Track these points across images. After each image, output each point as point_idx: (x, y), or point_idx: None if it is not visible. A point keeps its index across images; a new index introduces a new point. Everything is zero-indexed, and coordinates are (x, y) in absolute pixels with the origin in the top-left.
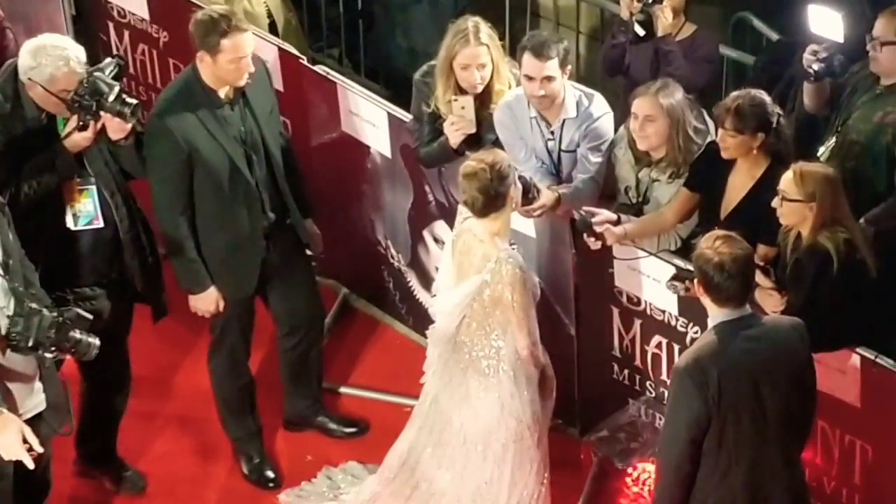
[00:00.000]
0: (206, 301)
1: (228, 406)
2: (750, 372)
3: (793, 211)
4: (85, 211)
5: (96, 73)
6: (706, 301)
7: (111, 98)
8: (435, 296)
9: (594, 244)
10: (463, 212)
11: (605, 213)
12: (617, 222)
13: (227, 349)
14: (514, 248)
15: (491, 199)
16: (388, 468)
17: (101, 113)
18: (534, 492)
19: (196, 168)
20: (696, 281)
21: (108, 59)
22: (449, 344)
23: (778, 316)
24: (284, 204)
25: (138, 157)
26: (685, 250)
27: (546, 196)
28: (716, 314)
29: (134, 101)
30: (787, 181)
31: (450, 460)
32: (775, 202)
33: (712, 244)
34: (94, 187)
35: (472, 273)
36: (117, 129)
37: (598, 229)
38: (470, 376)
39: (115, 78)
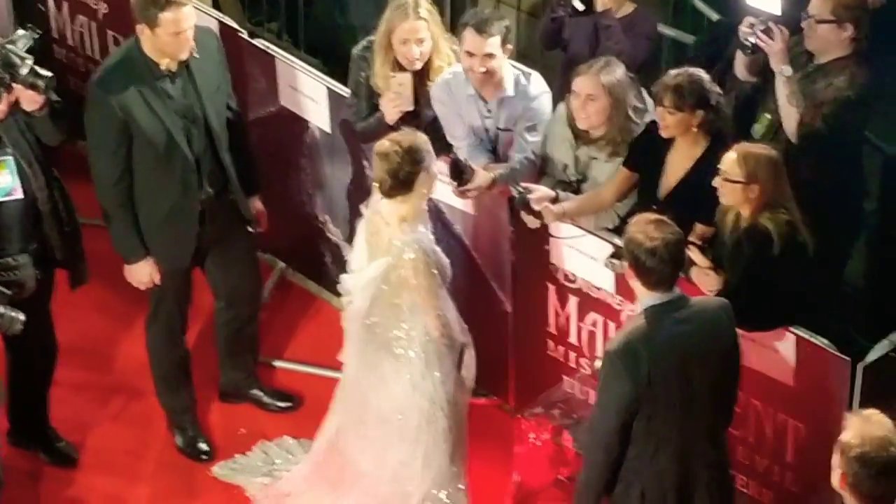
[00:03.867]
0: (140, 272)
1: (164, 378)
2: (680, 354)
3: (734, 191)
4: (3, 183)
5: (8, 46)
6: (636, 285)
7: (24, 71)
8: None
9: (532, 222)
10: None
11: (543, 190)
12: (555, 199)
13: (163, 320)
14: (424, 233)
15: (398, 183)
16: (317, 451)
17: (14, 85)
18: (447, 472)
19: (134, 138)
20: (625, 261)
21: (21, 32)
22: (362, 324)
23: (706, 297)
24: (226, 179)
25: (54, 127)
26: (623, 228)
27: (481, 177)
28: (645, 298)
29: (48, 74)
30: (729, 162)
31: (370, 441)
32: (716, 181)
33: (643, 228)
34: (11, 158)
35: (381, 255)
36: (31, 100)
37: (536, 207)
38: (383, 357)
39: (30, 51)
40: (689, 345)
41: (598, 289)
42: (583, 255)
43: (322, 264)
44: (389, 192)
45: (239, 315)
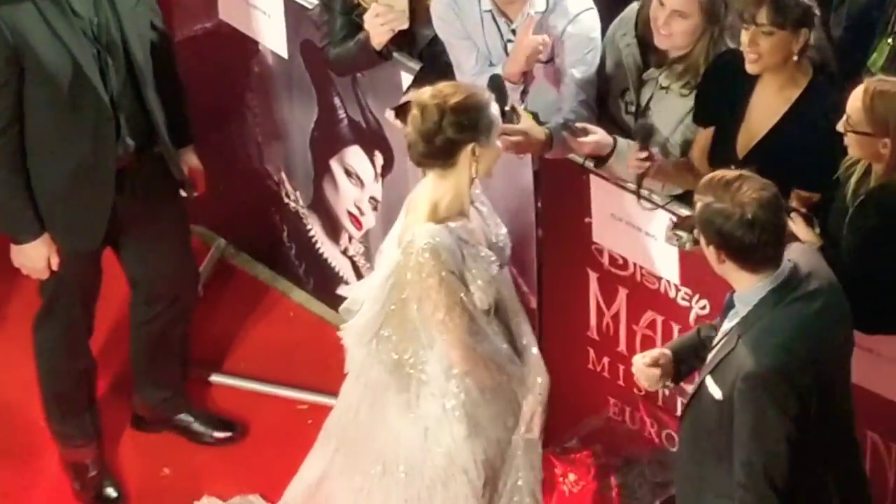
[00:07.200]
0: (35, 255)
1: (57, 398)
2: (831, 346)
3: (861, 144)
4: None
5: None
6: (730, 269)
7: None
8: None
9: (639, 166)
10: None
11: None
12: (609, 154)
13: (61, 320)
14: (457, 228)
15: (433, 150)
16: (290, 502)
17: None
18: None
19: (27, 72)
20: (710, 246)
21: None
22: (373, 340)
23: (813, 260)
24: (151, 127)
25: None
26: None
27: (530, 125)
28: (752, 285)
29: None
30: (853, 105)
31: (366, 496)
32: (841, 125)
33: (725, 193)
34: None
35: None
36: None
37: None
38: (390, 384)
39: None
40: (827, 328)
41: (658, 277)
42: (637, 231)
43: (276, 241)
44: (420, 161)
45: (163, 313)
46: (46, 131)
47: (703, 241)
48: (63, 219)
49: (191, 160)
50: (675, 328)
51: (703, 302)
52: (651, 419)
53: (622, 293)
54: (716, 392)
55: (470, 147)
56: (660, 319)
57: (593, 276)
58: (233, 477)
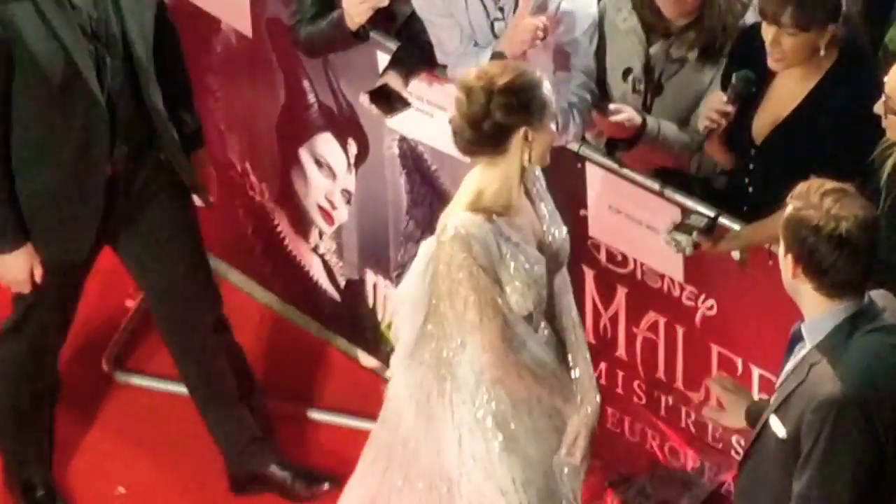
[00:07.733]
0: (16, 266)
1: (14, 414)
2: None
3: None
4: None
5: None
6: (802, 288)
7: None
8: None
9: (717, 119)
10: None
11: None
12: (638, 135)
13: (31, 337)
14: (500, 222)
15: (480, 137)
16: None
17: None
18: None
19: (18, 68)
20: (788, 256)
21: None
22: (421, 335)
23: (886, 296)
24: (153, 130)
25: None
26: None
27: None
28: (825, 310)
29: None
30: (892, 83)
31: None
32: (878, 107)
33: (819, 201)
34: None
35: None
36: None
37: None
38: (434, 386)
39: None
40: None
41: (660, 275)
42: (638, 225)
43: (240, 238)
44: (468, 149)
45: (196, 332)
46: (34, 133)
47: (781, 247)
48: (48, 228)
49: (203, 164)
50: (680, 330)
51: (710, 301)
52: (652, 431)
53: (621, 292)
54: (779, 430)
55: (522, 131)
56: (662, 321)
57: (589, 274)
58: (194, 496)
